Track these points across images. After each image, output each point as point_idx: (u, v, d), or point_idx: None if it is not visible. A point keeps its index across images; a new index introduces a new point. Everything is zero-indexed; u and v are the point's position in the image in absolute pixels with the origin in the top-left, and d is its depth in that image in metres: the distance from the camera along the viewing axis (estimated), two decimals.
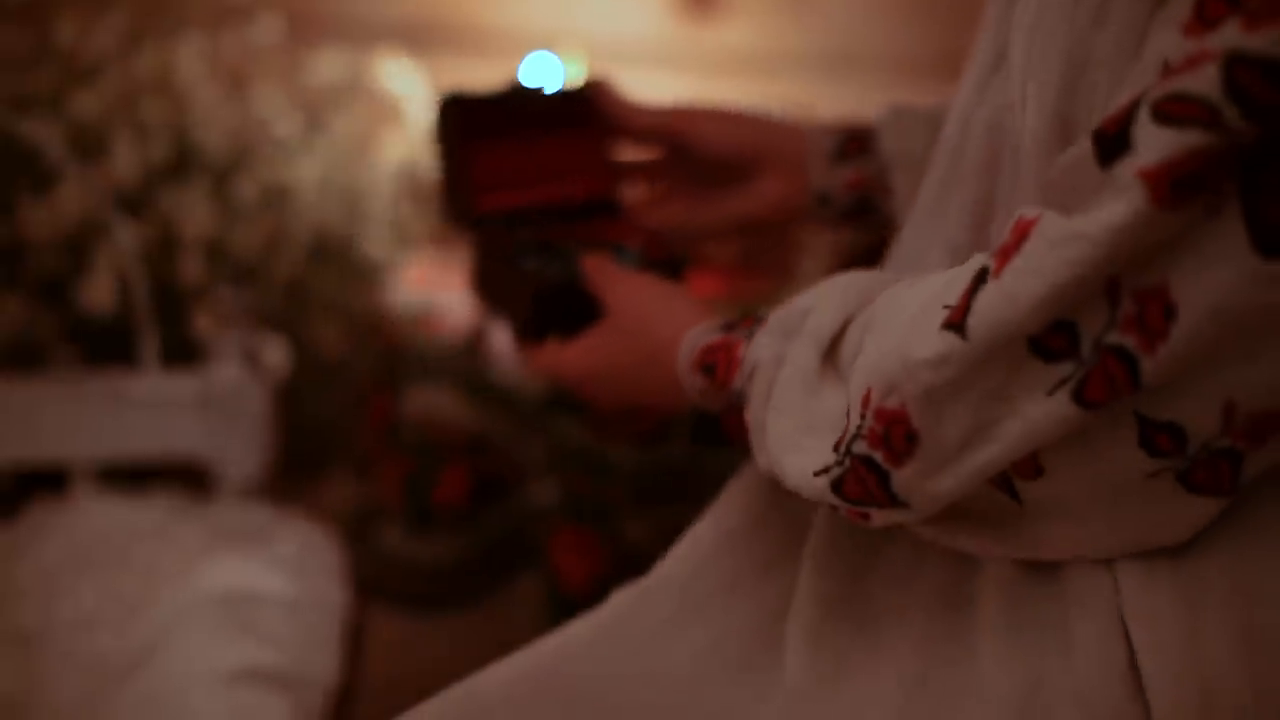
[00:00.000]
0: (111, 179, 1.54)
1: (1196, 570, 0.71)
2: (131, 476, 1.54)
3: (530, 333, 1.11)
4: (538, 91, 1.25)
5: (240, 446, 1.51)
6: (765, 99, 2.35)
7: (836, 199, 1.17)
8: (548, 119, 1.22)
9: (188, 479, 1.56)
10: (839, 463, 0.77)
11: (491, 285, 1.18)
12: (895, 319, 0.75)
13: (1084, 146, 0.66)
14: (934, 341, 0.70)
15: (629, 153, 1.24)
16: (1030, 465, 0.72)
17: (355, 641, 1.51)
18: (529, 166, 1.20)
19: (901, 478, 0.74)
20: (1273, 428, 0.68)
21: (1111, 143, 0.64)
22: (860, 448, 0.75)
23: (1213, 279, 0.63)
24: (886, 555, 0.84)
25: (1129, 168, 0.63)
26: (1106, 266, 0.65)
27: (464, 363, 1.62)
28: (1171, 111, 0.62)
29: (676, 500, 1.45)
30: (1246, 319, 0.64)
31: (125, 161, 1.56)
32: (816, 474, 0.78)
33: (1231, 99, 0.60)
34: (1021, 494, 0.74)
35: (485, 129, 1.21)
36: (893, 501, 0.76)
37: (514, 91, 1.25)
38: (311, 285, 1.76)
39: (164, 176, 1.61)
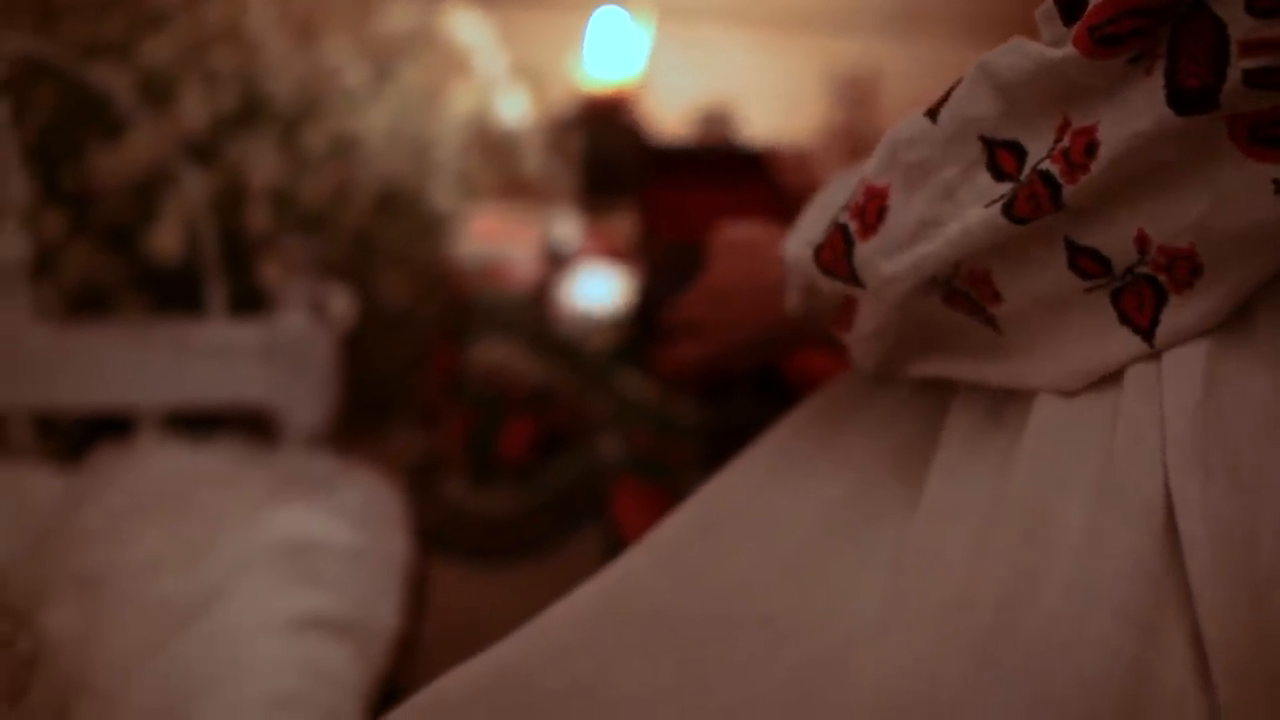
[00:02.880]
0: (180, 127, 1.55)
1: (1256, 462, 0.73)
2: (197, 424, 1.55)
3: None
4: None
5: (305, 395, 1.51)
6: (831, 57, 2.33)
7: None
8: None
9: (253, 427, 1.56)
10: (825, 231, 0.88)
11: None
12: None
13: (1050, 4, 0.76)
14: (913, 124, 0.82)
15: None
16: (989, 290, 0.82)
17: (417, 591, 1.51)
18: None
19: (863, 252, 0.85)
20: (1186, 271, 0.75)
21: (1071, 6, 0.75)
22: (843, 217, 0.86)
23: (1132, 126, 0.72)
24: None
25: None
26: (1039, 90, 0.76)
27: (530, 315, 1.62)
28: None
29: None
30: (1156, 162, 0.73)
31: (194, 110, 1.56)
32: (809, 242, 0.90)
33: None
34: (998, 321, 0.83)
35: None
36: (851, 275, 0.86)
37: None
38: (378, 235, 1.76)
39: (233, 125, 1.62)
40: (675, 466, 1.52)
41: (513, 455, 1.60)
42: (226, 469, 1.46)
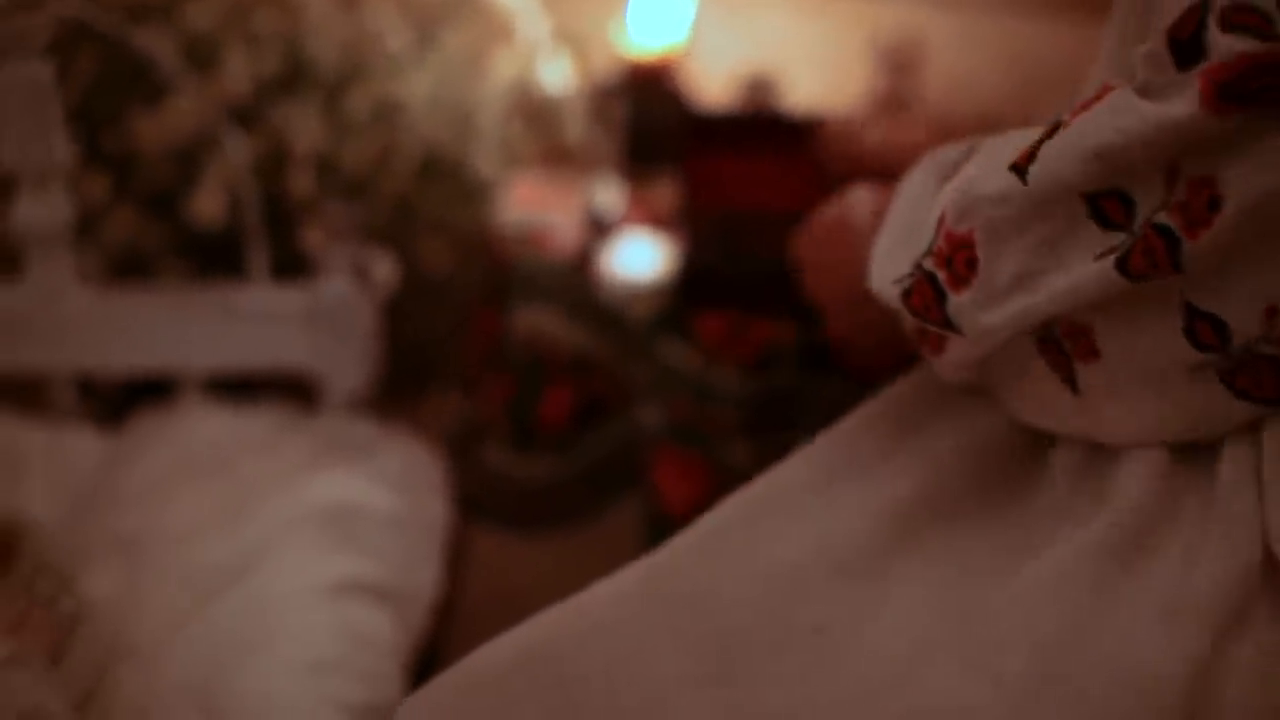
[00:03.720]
0: (223, 91, 1.55)
1: None
2: (238, 388, 1.55)
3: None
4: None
5: (347, 360, 1.51)
6: (874, 24, 2.32)
7: None
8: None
9: (294, 392, 1.56)
10: (910, 274, 0.84)
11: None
12: (994, 151, 0.81)
13: (1160, 45, 0.71)
14: (999, 180, 0.77)
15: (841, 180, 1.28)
16: (1088, 346, 0.78)
17: (457, 557, 1.51)
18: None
19: (957, 303, 0.81)
20: None
21: (1186, 48, 0.70)
22: (928, 264, 0.82)
23: (1262, 182, 0.69)
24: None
25: (1199, 70, 0.69)
26: (1152, 149, 0.71)
27: (571, 283, 1.61)
28: (1234, 19, 0.67)
29: (781, 426, 1.44)
30: None
31: (237, 74, 1.56)
32: (895, 282, 0.86)
33: None
34: (1080, 382, 0.80)
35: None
36: (947, 323, 0.82)
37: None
38: (420, 201, 1.75)
39: (276, 90, 1.62)
40: (715, 436, 1.52)
41: (553, 422, 1.60)
42: (267, 434, 1.47)
